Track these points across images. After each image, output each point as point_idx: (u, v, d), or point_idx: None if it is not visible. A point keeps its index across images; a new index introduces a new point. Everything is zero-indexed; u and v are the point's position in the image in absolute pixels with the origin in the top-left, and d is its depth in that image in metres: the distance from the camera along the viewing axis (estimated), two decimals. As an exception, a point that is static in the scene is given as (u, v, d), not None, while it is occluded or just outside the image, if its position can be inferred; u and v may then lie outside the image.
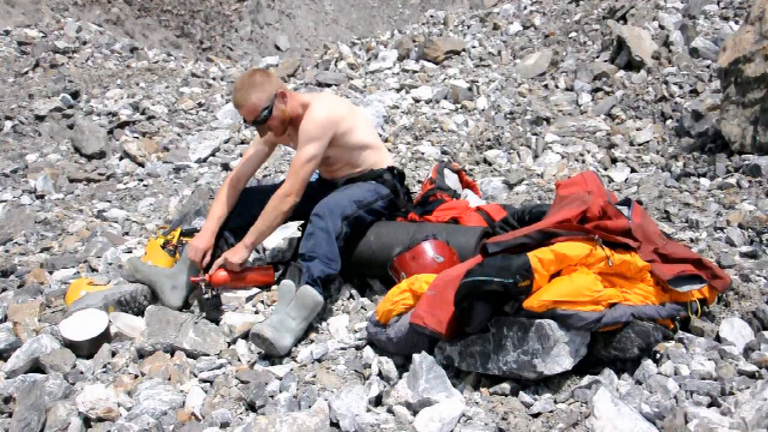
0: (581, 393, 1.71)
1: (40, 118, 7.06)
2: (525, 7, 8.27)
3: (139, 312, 2.61)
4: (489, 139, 4.81)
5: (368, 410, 1.79)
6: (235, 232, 2.89)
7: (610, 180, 3.88)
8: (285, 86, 2.78)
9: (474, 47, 7.34)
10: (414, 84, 6.40)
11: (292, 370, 2.13)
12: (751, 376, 1.65)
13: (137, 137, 6.28)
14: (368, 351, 2.13)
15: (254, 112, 2.66)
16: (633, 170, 3.94)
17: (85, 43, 9.71)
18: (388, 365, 1.98)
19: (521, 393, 1.77)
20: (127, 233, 3.97)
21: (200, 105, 7.27)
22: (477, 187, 3.60)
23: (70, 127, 6.85)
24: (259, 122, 2.70)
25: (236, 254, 2.67)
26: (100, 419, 1.90)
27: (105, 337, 2.40)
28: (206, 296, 2.57)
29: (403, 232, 2.65)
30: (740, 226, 2.60)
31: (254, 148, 3.03)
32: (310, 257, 2.43)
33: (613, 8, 6.63)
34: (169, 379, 2.14)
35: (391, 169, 2.96)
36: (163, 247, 2.97)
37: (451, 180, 3.35)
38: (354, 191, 2.73)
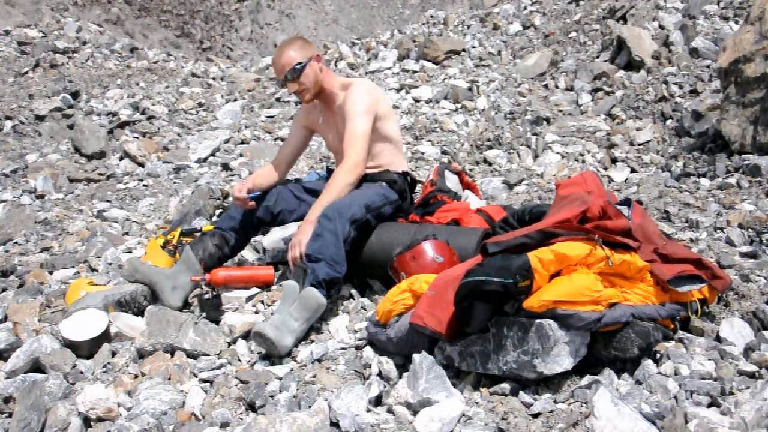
0: (581, 393, 1.71)
1: (40, 118, 7.06)
2: (525, 7, 8.27)
3: (139, 312, 2.61)
4: (489, 139, 4.81)
5: (368, 410, 1.79)
6: (237, 233, 2.89)
7: (610, 180, 3.88)
8: (322, 58, 2.91)
9: (474, 47, 7.34)
10: (414, 84, 6.41)
11: (292, 370, 2.13)
12: (751, 376, 1.65)
13: (137, 137, 6.28)
14: (368, 351, 2.13)
15: (288, 65, 2.76)
16: (633, 170, 3.94)
17: (85, 43, 9.72)
18: (388, 365, 1.98)
19: (521, 393, 1.77)
20: (127, 233, 3.97)
21: (200, 105, 7.28)
22: (477, 189, 3.60)
23: (70, 127, 6.85)
24: (290, 78, 2.77)
25: (304, 234, 2.58)
26: (100, 419, 1.90)
27: (105, 337, 2.40)
28: (206, 296, 2.57)
29: (404, 232, 2.65)
30: (740, 226, 2.60)
31: (294, 133, 3.10)
32: (317, 259, 2.41)
33: (613, 8, 6.63)
34: (169, 379, 2.14)
35: (404, 174, 2.97)
36: (163, 247, 2.97)
37: (452, 182, 3.34)
38: (364, 194, 2.72)
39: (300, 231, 2.58)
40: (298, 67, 2.75)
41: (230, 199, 4.14)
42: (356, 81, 2.90)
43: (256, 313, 2.62)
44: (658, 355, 1.80)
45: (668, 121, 4.36)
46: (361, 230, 2.63)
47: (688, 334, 1.89)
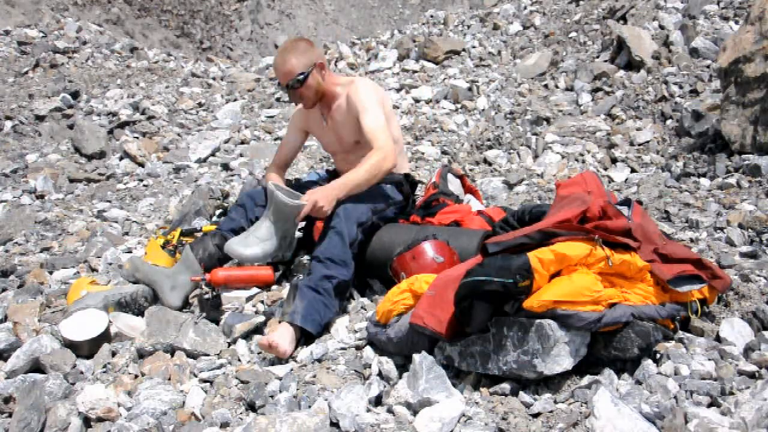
0: (581, 393, 1.71)
1: (40, 118, 7.07)
2: (525, 7, 8.27)
3: (140, 313, 2.61)
4: (489, 139, 4.81)
5: (368, 410, 1.79)
6: (238, 234, 2.88)
7: (610, 180, 3.88)
8: (325, 60, 2.85)
9: (474, 47, 7.35)
10: (414, 84, 6.41)
11: (292, 370, 2.13)
12: (751, 376, 1.65)
13: (137, 137, 6.28)
14: (368, 351, 2.13)
15: (290, 74, 2.70)
16: (633, 170, 3.94)
17: (85, 43, 9.72)
18: (388, 365, 1.98)
19: (521, 393, 1.77)
20: (127, 233, 3.97)
21: (200, 105, 7.28)
22: (479, 194, 3.59)
23: (70, 127, 6.85)
24: (292, 87, 2.73)
25: (328, 200, 2.49)
26: (100, 419, 1.90)
27: (105, 337, 2.40)
28: (206, 296, 2.57)
29: (405, 233, 2.65)
30: (740, 226, 2.60)
31: (291, 135, 3.11)
32: (318, 259, 2.46)
33: (613, 8, 6.63)
34: (169, 379, 2.14)
35: (407, 176, 2.97)
36: (163, 247, 2.98)
37: (454, 185, 3.34)
38: (371, 196, 2.69)
39: (323, 196, 2.49)
40: (300, 77, 2.70)
41: (230, 199, 4.14)
42: (358, 78, 2.88)
43: (256, 313, 2.62)
44: (658, 355, 1.80)
45: (668, 121, 4.36)
46: (366, 233, 2.64)
47: (688, 334, 1.89)
